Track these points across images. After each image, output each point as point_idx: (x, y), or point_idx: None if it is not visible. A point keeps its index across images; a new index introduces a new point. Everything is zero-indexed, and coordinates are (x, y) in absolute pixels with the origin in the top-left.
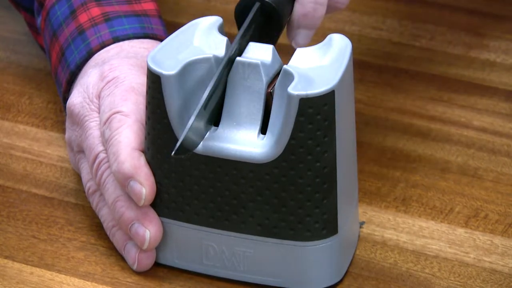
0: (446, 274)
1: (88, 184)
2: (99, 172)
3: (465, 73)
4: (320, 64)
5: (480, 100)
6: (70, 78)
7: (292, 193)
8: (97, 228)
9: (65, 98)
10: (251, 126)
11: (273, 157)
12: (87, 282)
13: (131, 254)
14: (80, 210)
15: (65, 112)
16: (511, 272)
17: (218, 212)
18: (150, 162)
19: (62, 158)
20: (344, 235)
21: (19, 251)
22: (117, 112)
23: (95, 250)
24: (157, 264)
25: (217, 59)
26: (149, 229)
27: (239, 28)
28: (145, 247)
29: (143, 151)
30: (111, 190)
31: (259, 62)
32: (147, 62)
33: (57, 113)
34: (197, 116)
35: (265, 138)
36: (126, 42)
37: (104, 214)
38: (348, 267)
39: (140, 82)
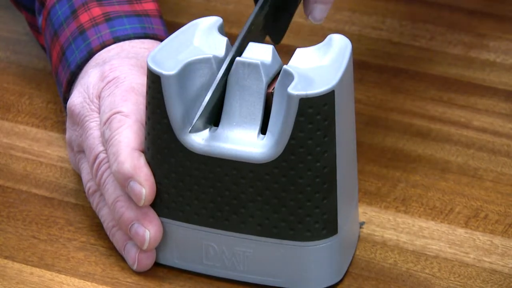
0: (446, 274)
1: (88, 184)
2: (99, 172)
3: (465, 73)
4: (320, 64)
5: (480, 100)
6: (70, 78)
7: (292, 193)
8: (97, 228)
9: (66, 98)
10: (251, 126)
11: (273, 157)
12: (87, 282)
13: (131, 254)
14: (80, 210)
15: (66, 112)
16: (511, 272)
17: (218, 212)
18: (150, 162)
19: (62, 158)
20: (344, 235)
21: (19, 251)
22: (117, 112)
23: (95, 250)
24: (157, 264)
25: (217, 59)
26: (149, 229)
27: (255, 3)
28: (145, 247)
29: (143, 151)
30: (111, 190)
31: (259, 62)
32: (147, 62)
33: (57, 113)
34: (213, 93)
35: (265, 138)
36: (126, 42)
37: (104, 214)
38: (348, 267)
39: (140, 82)
